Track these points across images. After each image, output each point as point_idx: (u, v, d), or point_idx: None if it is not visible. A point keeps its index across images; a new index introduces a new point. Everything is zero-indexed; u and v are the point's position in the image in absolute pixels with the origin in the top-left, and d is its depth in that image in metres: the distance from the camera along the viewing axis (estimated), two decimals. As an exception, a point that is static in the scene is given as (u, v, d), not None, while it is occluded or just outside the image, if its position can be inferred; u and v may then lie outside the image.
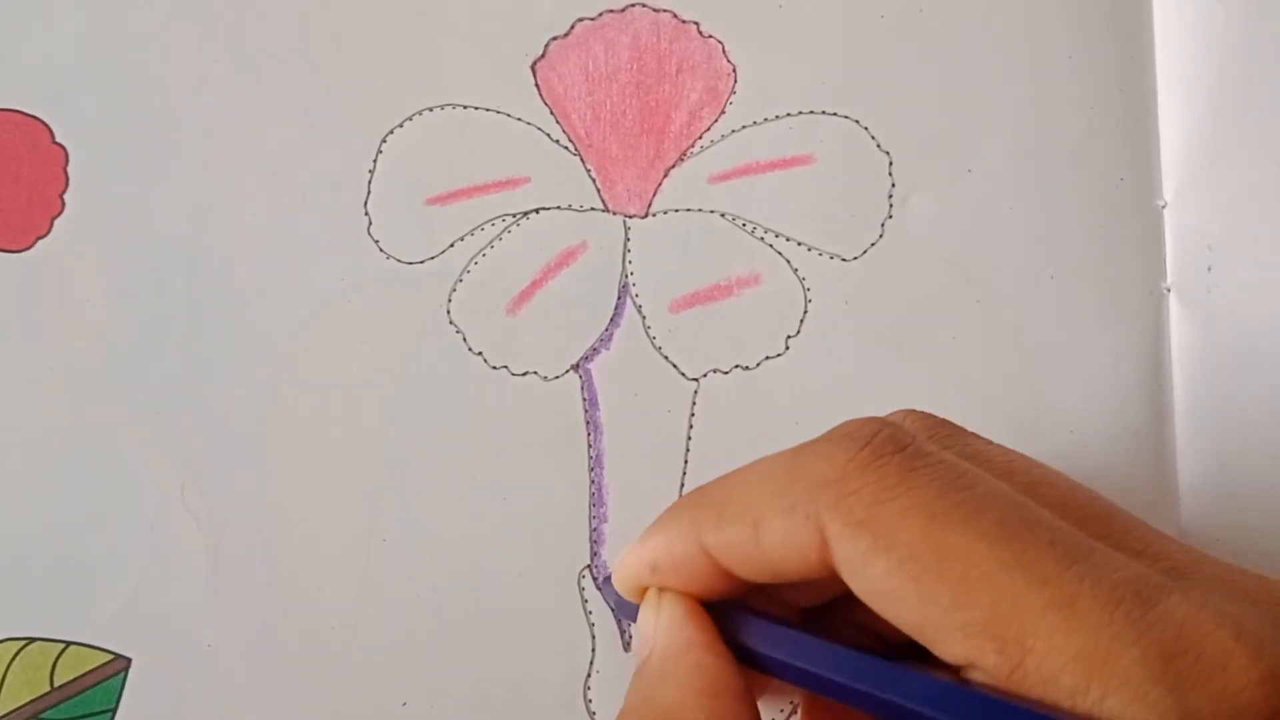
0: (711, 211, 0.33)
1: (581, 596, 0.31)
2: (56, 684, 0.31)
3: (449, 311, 0.33)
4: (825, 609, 0.24)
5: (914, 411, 0.23)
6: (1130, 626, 0.17)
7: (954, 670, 0.19)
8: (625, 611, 0.24)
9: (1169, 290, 0.33)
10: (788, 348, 0.32)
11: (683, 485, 0.32)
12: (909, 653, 0.20)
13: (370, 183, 0.33)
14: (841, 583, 0.21)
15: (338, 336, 0.33)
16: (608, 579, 0.25)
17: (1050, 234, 0.33)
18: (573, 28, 0.34)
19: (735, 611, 0.22)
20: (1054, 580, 0.18)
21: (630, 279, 0.33)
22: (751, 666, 0.22)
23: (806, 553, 0.20)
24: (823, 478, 0.20)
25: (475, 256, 0.33)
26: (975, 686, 0.18)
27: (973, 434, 0.22)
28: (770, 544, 0.20)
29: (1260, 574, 0.20)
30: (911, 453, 0.20)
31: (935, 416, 0.23)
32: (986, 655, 0.18)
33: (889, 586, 0.19)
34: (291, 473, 0.32)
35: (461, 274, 0.33)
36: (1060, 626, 0.17)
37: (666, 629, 0.22)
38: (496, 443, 0.32)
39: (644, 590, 0.23)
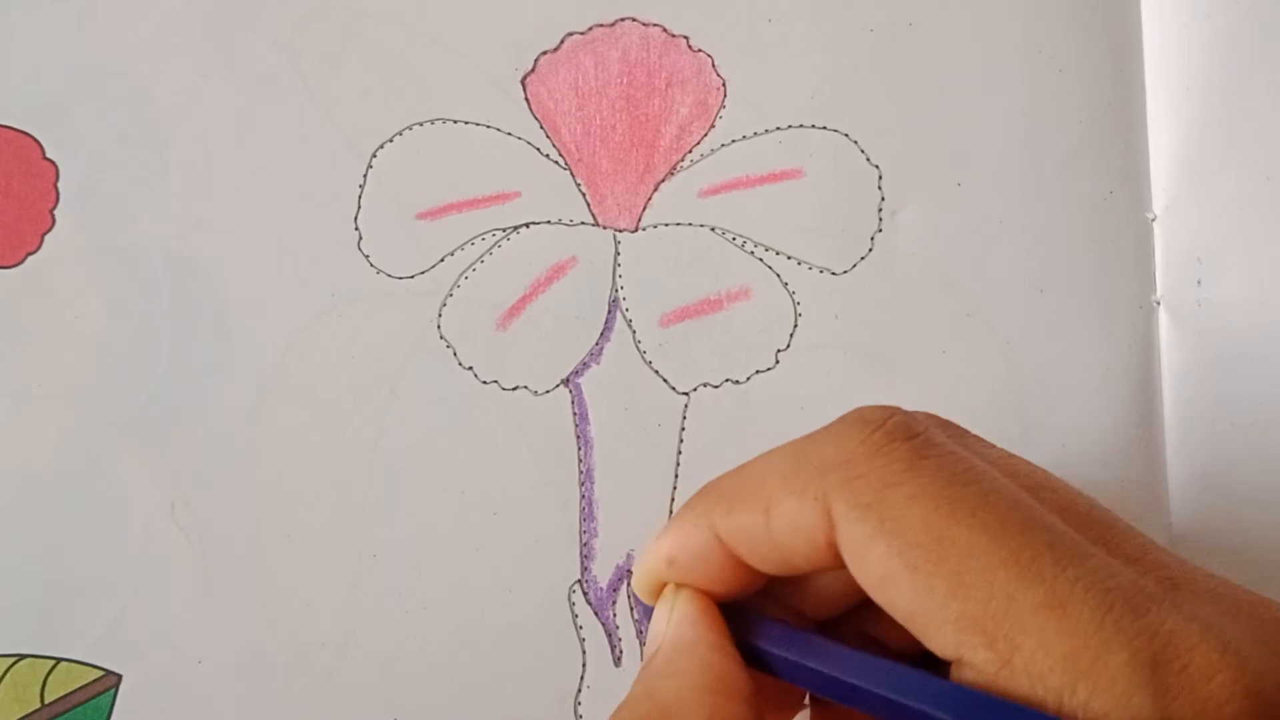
0: (701, 225, 0.33)
1: (572, 611, 0.31)
2: (47, 701, 0.31)
3: (439, 326, 0.33)
4: (835, 623, 0.24)
5: (925, 412, 0.23)
6: (1120, 632, 0.17)
7: (944, 666, 0.19)
8: (647, 616, 0.24)
9: (1159, 303, 0.33)
10: (778, 361, 0.33)
11: (673, 499, 0.32)
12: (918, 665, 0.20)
13: (360, 198, 0.33)
14: (853, 591, 0.21)
15: (328, 351, 0.33)
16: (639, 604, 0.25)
17: (1040, 247, 0.33)
18: (562, 42, 0.34)
19: (750, 615, 0.22)
20: (1049, 581, 0.18)
21: (620, 293, 0.33)
22: (764, 670, 0.22)
23: (814, 535, 0.20)
24: (832, 460, 0.20)
25: (465, 271, 0.33)
26: (966, 685, 0.18)
27: (977, 437, 0.23)
28: (780, 527, 0.20)
29: (1251, 591, 0.20)
30: (922, 441, 0.20)
31: (945, 419, 0.23)
32: (976, 650, 0.18)
33: (887, 571, 0.19)
34: (281, 488, 0.32)
35: (452, 289, 0.33)
36: (1050, 626, 0.17)
37: (677, 625, 0.22)
38: (487, 457, 0.32)
39: (661, 590, 0.23)
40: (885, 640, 0.23)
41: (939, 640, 0.19)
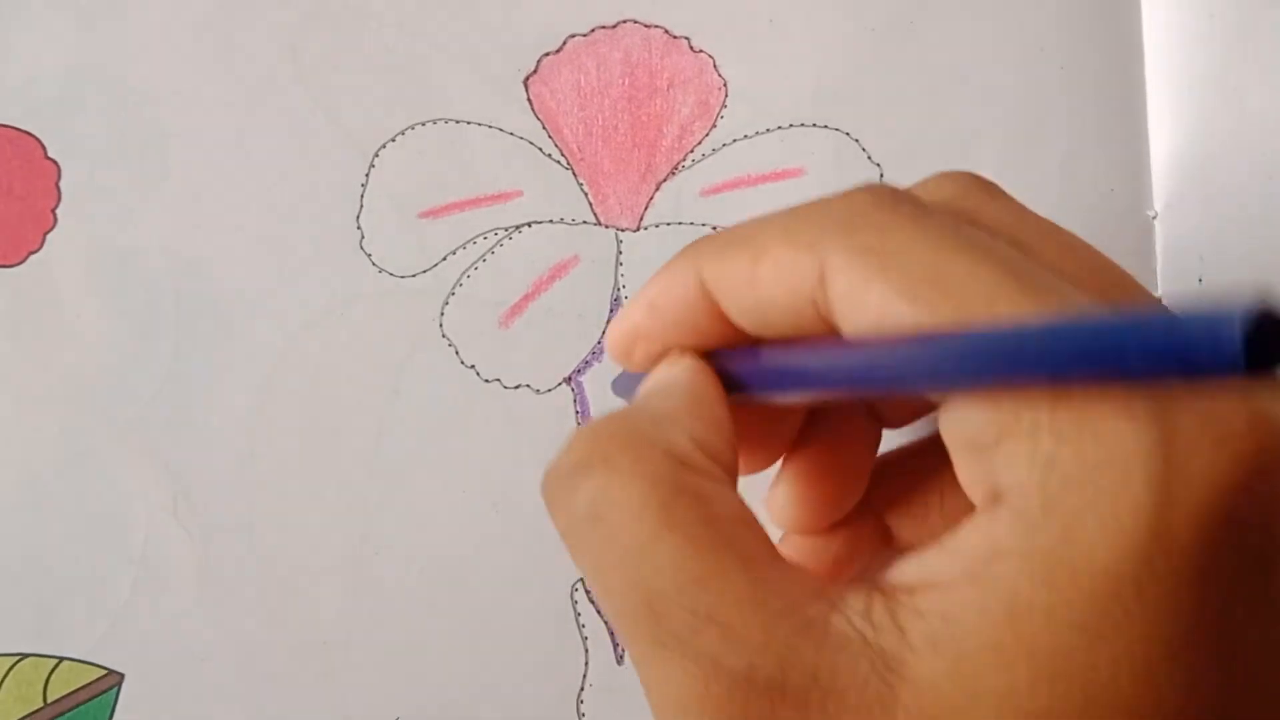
0: (703, 224, 0.33)
1: (574, 609, 0.31)
2: (50, 700, 0.31)
3: (441, 325, 0.33)
4: None
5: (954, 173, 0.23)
6: None
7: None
8: (622, 388, 0.24)
9: (1160, 301, 0.33)
10: (780, 360, 0.33)
11: (675, 498, 0.32)
12: None
13: (362, 197, 0.33)
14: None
15: (330, 350, 0.33)
16: (618, 378, 0.24)
17: (1041, 245, 0.33)
18: (565, 43, 0.34)
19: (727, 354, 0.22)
20: (1056, 309, 0.17)
21: (622, 292, 0.33)
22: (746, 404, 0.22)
23: (800, 286, 0.20)
24: (835, 213, 0.20)
25: (468, 270, 0.33)
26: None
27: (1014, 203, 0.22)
28: (766, 276, 0.20)
29: None
30: (925, 206, 0.20)
31: (976, 176, 0.23)
32: None
33: (885, 309, 0.18)
34: (283, 486, 0.32)
35: (454, 287, 0.33)
36: None
37: (667, 367, 0.22)
38: (489, 456, 0.32)
39: (636, 346, 0.23)
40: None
41: None
